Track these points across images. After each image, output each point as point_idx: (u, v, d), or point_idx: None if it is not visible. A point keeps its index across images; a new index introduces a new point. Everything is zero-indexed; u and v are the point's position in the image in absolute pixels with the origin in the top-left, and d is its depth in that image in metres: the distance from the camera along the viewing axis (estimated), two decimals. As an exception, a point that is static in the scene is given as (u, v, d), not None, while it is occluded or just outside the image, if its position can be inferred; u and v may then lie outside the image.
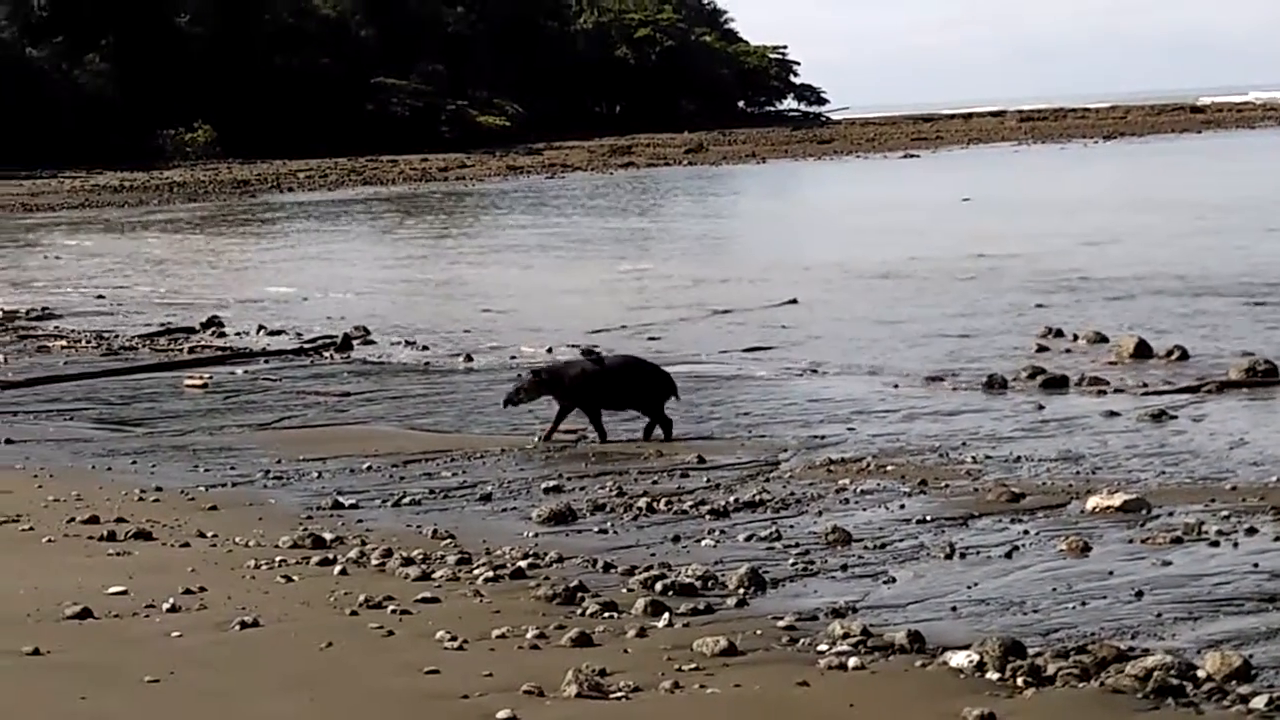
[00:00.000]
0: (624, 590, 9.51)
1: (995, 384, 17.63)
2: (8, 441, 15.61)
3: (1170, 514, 11.34)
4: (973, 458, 13.69)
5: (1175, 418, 15.28)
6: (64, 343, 24.04)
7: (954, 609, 9.10)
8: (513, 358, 21.41)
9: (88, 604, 8.81)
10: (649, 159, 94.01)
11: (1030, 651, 7.98)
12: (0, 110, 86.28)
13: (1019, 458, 13.64)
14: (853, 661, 7.92)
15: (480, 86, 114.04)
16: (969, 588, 9.55)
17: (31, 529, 11.32)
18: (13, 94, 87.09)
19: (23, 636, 8.14)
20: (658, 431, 15.58)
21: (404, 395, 18.55)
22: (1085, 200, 47.77)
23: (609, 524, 11.64)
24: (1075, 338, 21.00)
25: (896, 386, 17.93)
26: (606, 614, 8.92)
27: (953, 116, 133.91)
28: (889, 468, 13.30)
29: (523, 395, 16.06)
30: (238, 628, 8.53)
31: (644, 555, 10.54)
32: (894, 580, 9.78)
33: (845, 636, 8.29)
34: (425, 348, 22.68)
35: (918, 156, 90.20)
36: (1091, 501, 11.66)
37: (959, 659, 7.90)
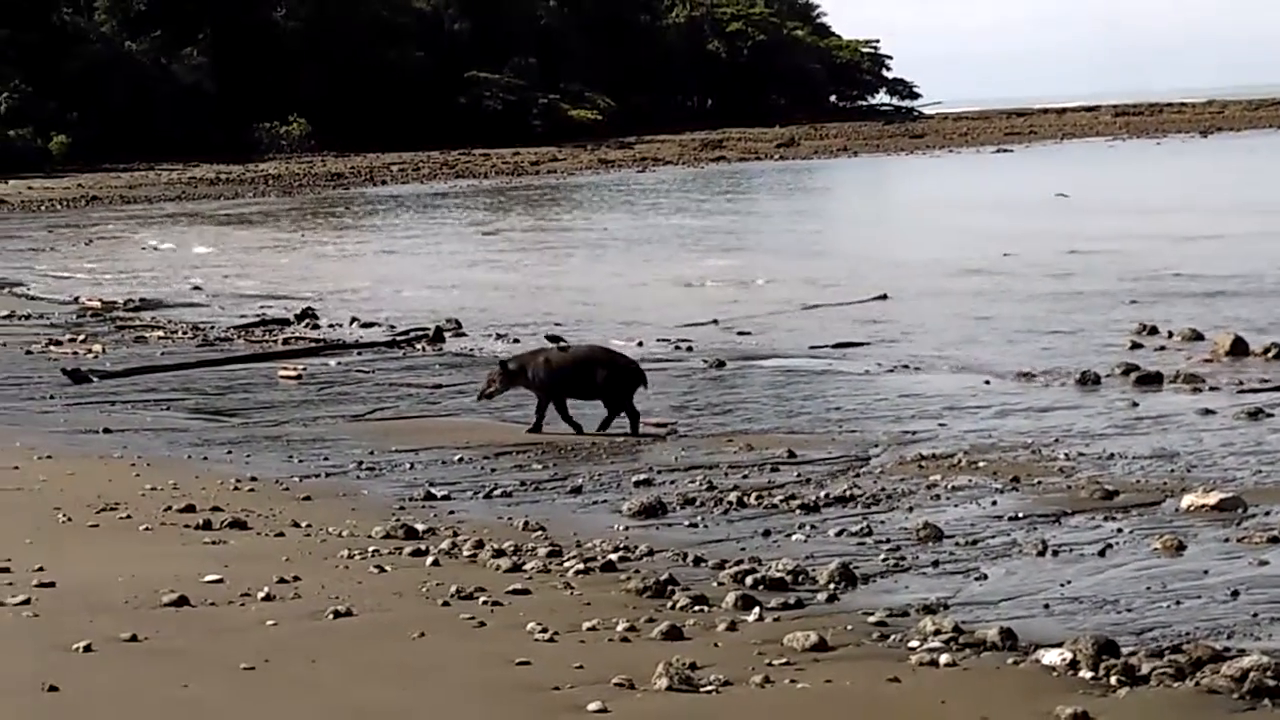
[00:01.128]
0: (714, 584, 9.51)
1: (1089, 380, 17.48)
2: (106, 431, 15.78)
3: (1267, 513, 11.21)
4: (1066, 454, 13.58)
5: (1272, 415, 15.10)
6: (161, 333, 24.28)
7: (1047, 607, 9.03)
8: (604, 351, 21.40)
9: (184, 592, 8.89)
10: (740, 153, 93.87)
11: (1124, 650, 7.91)
12: (100, 103, 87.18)
13: (1113, 455, 13.52)
14: (944, 658, 7.88)
15: (572, 80, 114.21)
16: (1062, 585, 9.48)
17: (129, 517, 11.43)
18: (112, 87, 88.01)
19: (121, 623, 8.23)
20: (621, 422, 15.54)
21: (496, 388, 18.56)
22: (1181, 196, 47.27)
23: (699, 518, 11.64)
24: (1170, 335, 20.80)
25: (988, 382, 17.82)
26: (697, 608, 8.92)
27: (1046, 111, 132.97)
28: (981, 464, 13.21)
29: (493, 388, 16.16)
30: (331, 617, 8.58)
31: (734, 549, 10.53)
32: (986, 577, 9.72)
33: (937, 633, 8.25)
34: (516, 340, 22.72)
35: (1011, 151, 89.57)
36: (1186, 500, 11.54)
37: (1052, 657, 7.84)
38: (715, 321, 24.04)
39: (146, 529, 11.07)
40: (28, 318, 26.35)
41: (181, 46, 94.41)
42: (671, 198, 59.85)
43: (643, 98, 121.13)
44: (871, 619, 8.66)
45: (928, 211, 48.13)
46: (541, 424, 15.65)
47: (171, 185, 73.76)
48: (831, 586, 9.41)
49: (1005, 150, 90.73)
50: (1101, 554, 10.26)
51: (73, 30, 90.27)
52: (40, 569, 9.42)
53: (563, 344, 17.85)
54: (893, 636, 8.33)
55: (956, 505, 11.82)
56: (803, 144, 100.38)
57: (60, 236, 47.45)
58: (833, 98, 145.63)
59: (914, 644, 8.16)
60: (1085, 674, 7.65)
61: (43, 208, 61.68)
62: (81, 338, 23.46)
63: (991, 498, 12.01)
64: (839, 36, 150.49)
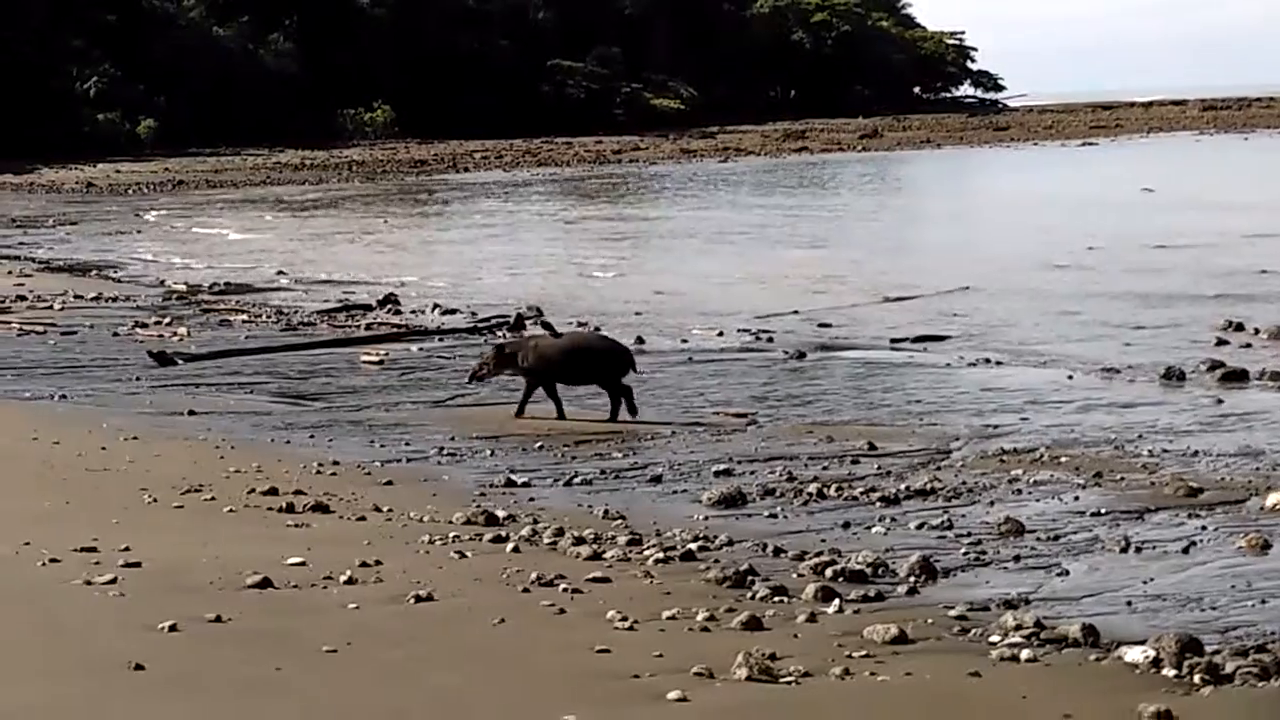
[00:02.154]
0: (794, 575, 9.50)
1: (1173, 376, 17.34)
2: (191, 413, 15.92)
3: (1354, 513, 11.08)
4: (1149, 451, 13.47)
5: (1360, 415, 14.92)
6: (245, 317, 24.47)
7: (1129, 604, 8.97)
8: (683, 341, 21.44)
9: (267, 574, 8.96)
10: (823, 144, 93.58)
11: (1208, 649, 7.84)
12: (187, 88, 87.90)
13: (1197, 452, 13.40)
14: (1025, 654, 7.84)
15: (656, 69, 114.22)
16: (1145, 583, 9.41)
17: (213, 499, 11.53)
18: (199, 72, 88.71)
19: (206, 603, 8.30)
20: (624, 410, 15.71)
21: (576, 375, 18.61)
22: (1268, 193, 46.75)
23: (779, 509, 11.62)
24: (1256, 331, 20.59)
25: (1071, 377, 17.70)
26: (776, 598, 8.91)
27: (1133, 104, 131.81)
28: (1063, 459, 13.13)
29: (485, 370, 16.43)
30: (413, 601, 8.62)
31: (814, 541, 10.51)
32: (1067, 573, 9.67)
33: (1018, 628, 8.21)
34: (597, 328, 22.75)
35: (1096, 145, 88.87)
36: (1272, 498, 11.42)
37: (1134, 654, 7.79)
38: (796, 312, 24.00)
39: (230, 511, 11.17)
40: (115, 300, 26.61)
41: (268, 32, 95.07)
42: (753, 188, 59.74)
43: (726, 88, 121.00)
44: (952, 613, 8.62)
45: (1011, 204, 47.84)
46: (525, 408, 15.92)
47: (256, 170, 74.29)
48: (912, 579, 9.38)
49: (1090, 144, 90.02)
50: (1185, 551, 10.18)
51: (161, 15, 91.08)
52: (127, 549, 9.51)
53: (553, 329, 17.99)
54: (973, 631, 8.29)
55: (1038, 500, 11.75)
56: (885, 136, 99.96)
57: (146, 220, 47.89)
58: (916, 89, 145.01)
59: (995, 639, 8.12)
60: (1168, 672, 7.58)
61: (130, 191, 62.28)
62: (167, 320, 23.68)
63: (1074, 493, 11.93)
64: (924, 28, 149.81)
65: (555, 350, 16.18)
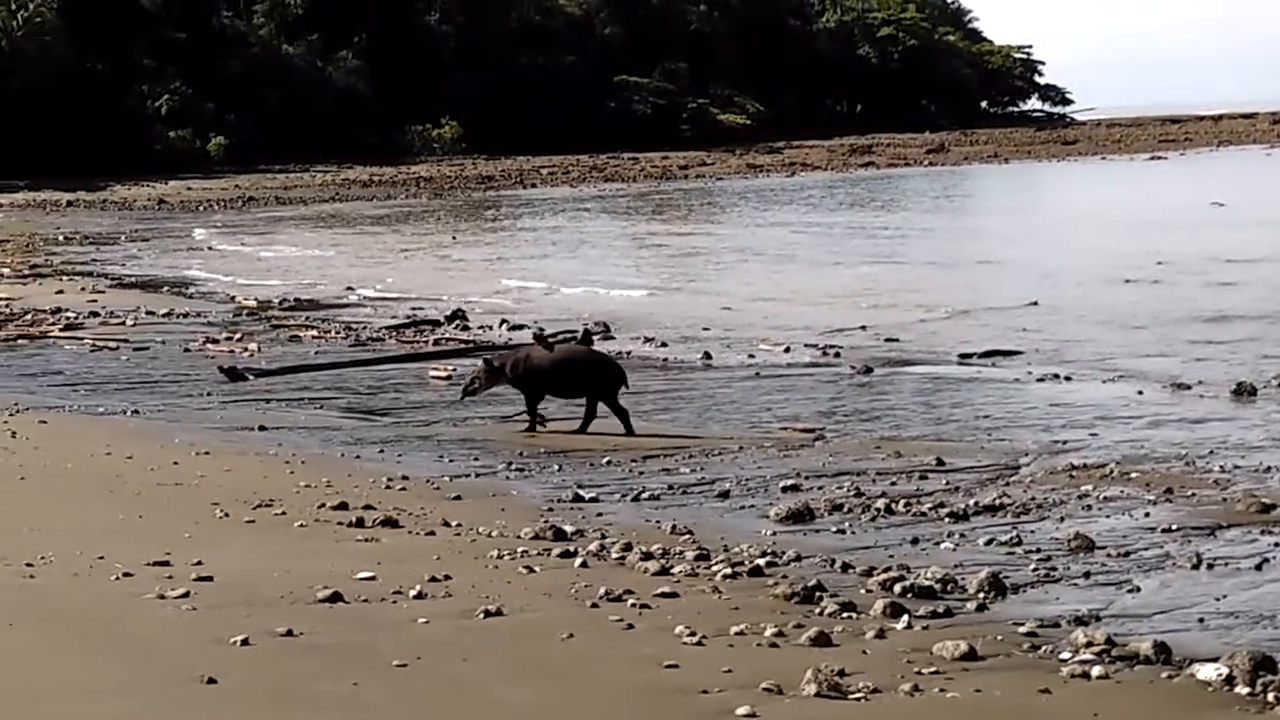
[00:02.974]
0: (862, 591, 9.46)
1: (1244, 392, 17.19)
2: (261, 428, 16.02)
3: None
4: (1220, 467, 13.35)
5: None
6: (314, 333, 24.63)
7: (1201, 620, 8.89)
8: (750, 356, 21.43)
9: (338, 588, 9.00)
10: (889, 159, 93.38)
11: (1282, 666, 7.76)
12: (257, 106, 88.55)
13: (1269, 468, 13.27)
14: (1096, 671, 7.78)
15: (722, 84, 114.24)
16: (1217, 599, 9.32)
17: (284, 514, 11.60)
18: (269, 90, 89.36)
19: (278, 618, 8.34)
20: (614, 422, 15.99)
21: (643, 391, 18.64)
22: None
23: (847, 524, 11.58)
24: (1329, 346, 20.39)
25: (1141, 392, 17.58)
26: (845, 614, 8.87)
27: (1201, 118, 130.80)
28: (1133, 475, 13.03)
29: (478, 384, 16.69)
30: (482, 616, 8.64)
31: (882, 556, 10.47)
32: (1139, 589, 9.59)
33: (1089, 645, 8.15)
34: (664, 344, 22.79)
35: (1165, 159, 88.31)
36: (1346, 515, 11.30)
37: (1207, 672, 7.71)
38: (863, 328, 23.94)
39: (301, 525, 11.23)
40: (186, 316, 26.84)
41: (337, 50, 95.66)
42: (820, 203, 59.65)
43: (792, 102, 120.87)
44: (1022, 629, 8.57)
45: (1079, 218, 47.57)
46: (535, 422, 16.24)
47: (325, 186, 74.74)
48: (981, 596, 9.33)
49: (1159, 158, 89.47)
50: (1258, 568, 10.09)
51: (232, 34, 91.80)
52: (199, 563, 9.58)
53: (547, 341, 18.14)
54: (1043, 648, 8.23)
55: (1108, 516, 11.67)
56: (953, 150, 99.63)
57: (216, 236, 48.25)
58: (984, 103, 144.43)
59: (1065, 656, 8.06)
60: (1241, 690, 7.51)
61: (200, 208, 62.78)
62: (238, 336, 23.86)
63: (1144, 509, 11.84)
64: (991, 42, 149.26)
65: (545, 362, 16.39)
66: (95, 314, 26.54)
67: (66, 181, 69.74)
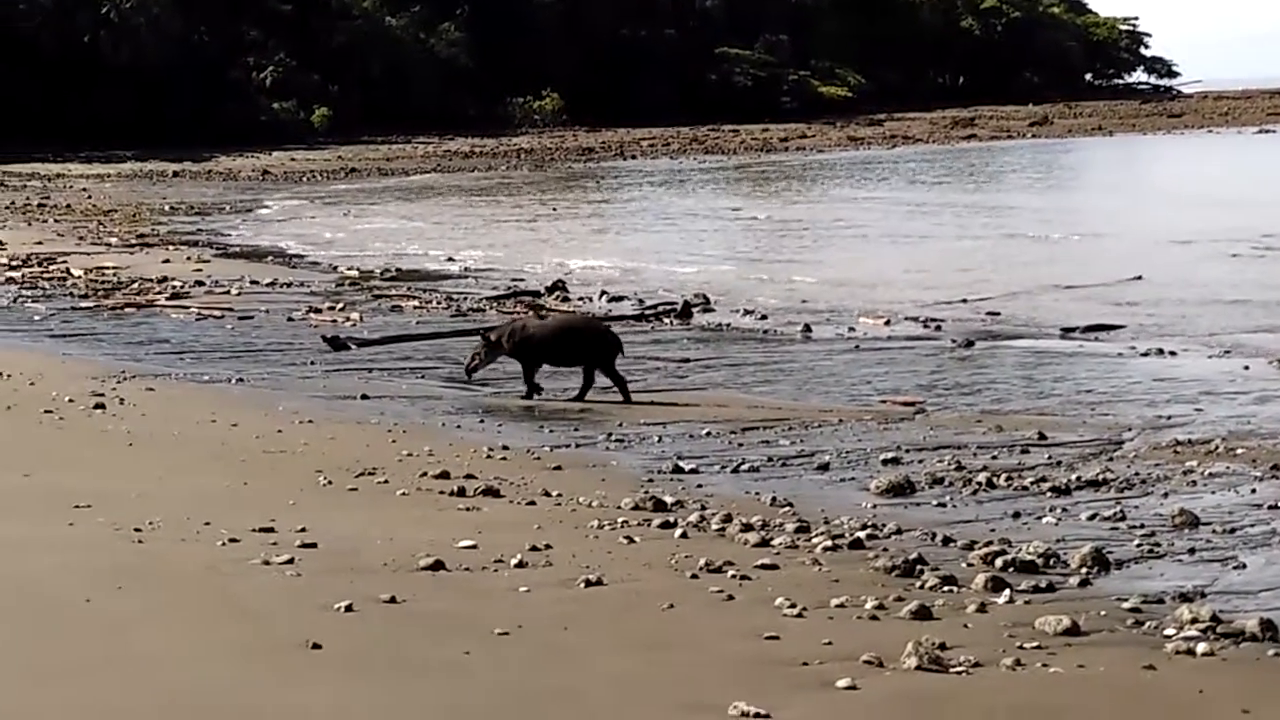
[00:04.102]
0: (963, 565, 9.41)
1: (1353, 368, 16.93)
2: (364, 397, 16.13)
3: None
4: (1328, 443, 13.17)
5: None
6: (416, 303, 24.75)
7: (1308, 598, 8.78)
8: (850, 329, 21.35)
9: (440, 556, 9.05)
10: (991, 131, 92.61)
11: (1391, 645, 7.65)
12: (360, 77, 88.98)
13: (1379, 445, 13.07)
14: (1201, 647, 7.69)
15: (823, 57, 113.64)
16: (1324, 577, 9.20)
17: (387, 482, 11.68)
18: (372, 61, 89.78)
19: (381, 585, 8.40)
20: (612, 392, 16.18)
21: (742, 363, 18.65)
22: None
23: (948, 498, 11.53)
24: None
25: (1247, 368, 17.36)
26: (946, 588, 8.83)
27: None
28: (1239, 451, 12.87)
29: (479, 359, 16.74)
30: (583, 585, 8.67)
31: (983, 530, 10.41)
32: (1244, 566, 9.48)
33: (1193, 621, 8.06)
34: (764, 316, 22.74)
35: (1273, 132, 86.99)
36: None
37: (1313, 650, 7.62)
38: (965, 301, 23.78)
39: (403, 494, 11.30)
40: (289, 285, 27.04)
41: (440, 21, 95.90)
42: (922, 176, 59.27)
43: (893, 75, 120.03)
44: (1125, 605, 8.49)
45: (1185, 192, 47.00)
46: (532, 390, 16.37)
47: (427, 158, 75.06)
48: (1084, 571, 9.25)
49: (1267, 131, 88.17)
50: (1366, 546, 9.94)
51: (336, 6, 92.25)
52: (303, 530, 9.66)
53: (542, 312, 18.27)
54: (1147, 624, 8.16)
55: (1213, 492, 11.54)
56: (1056, 123, 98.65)
57: (320, 207, 48.60)
58: (1088, 76, 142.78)
59: (1170, 632, 7.98)
60: (1348, 668, 7.42)
61: (304, 178, 63.23)
62: (340, 306, 24.03)
63: (1250, 485, 11.70)
64: (1096, 13, 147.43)
65: (541, 332, 16.57)
66: (201, 283, 26.81)
67: (173, 152, 70.39)
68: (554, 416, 15.30)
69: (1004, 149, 77.92)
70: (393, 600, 8.15)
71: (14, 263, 30.31)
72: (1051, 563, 9.42)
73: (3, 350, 19.01)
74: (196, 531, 9.63)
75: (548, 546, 9.53)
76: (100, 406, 14.69)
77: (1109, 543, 9.94)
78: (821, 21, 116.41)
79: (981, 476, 12.01)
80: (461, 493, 11.33)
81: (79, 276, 28.02)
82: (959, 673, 7.26)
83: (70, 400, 14.88)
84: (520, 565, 9.08)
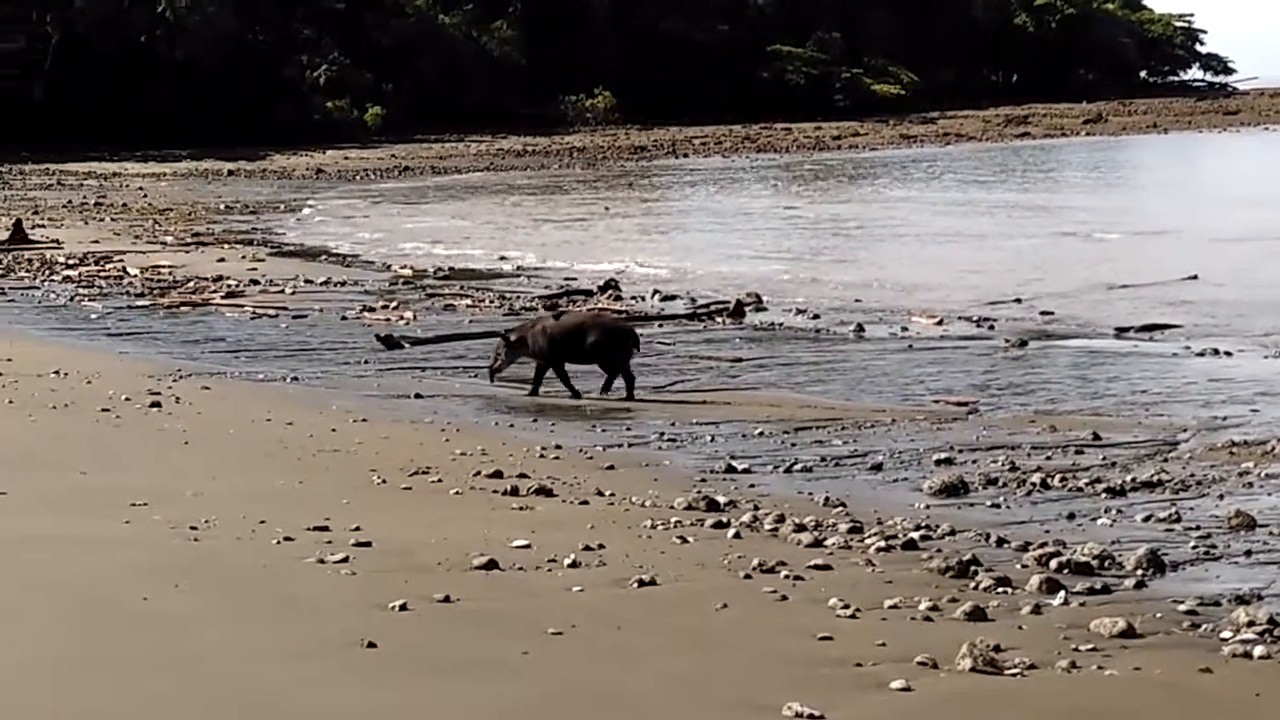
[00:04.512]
0: (1018, 566, 9.38)
1: None
2: (417, 396, 16.19)
3: None
4: (1387, 445, 13.05)
5: None
6: (469, 302, 24.81)
7: (1366, 602, 8.71)
8: (903, 329, 21.29)
9: (493, 556, 9.07)
10: (1045, 129, 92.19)
11: None
12: (413, 76, 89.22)
13: None
14: (1259, 650, 7.64)
15: (875, 54, 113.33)
16: (1383, 580, 9.13)
17: (440, 481, 11.71)
18: (425, 60, 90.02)
19: (435, 584, 8.43)
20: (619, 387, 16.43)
21: (795, 362, 18.63)
22: None
23: (1002, 498, 11.49)
24: None
25: (1305, 368, 17.24)
26: (1000, 589, 8.80)
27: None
28: (1297, 452, 12.78)
29: (499, 360, 16.94)
30: (636, 585, 8.68)
31: (1038, 531, 10.38)
32: (1302, 568, 9.41)
33: (1250, 624, 8.01)
34: (816, 315, 22.70)
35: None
36: None
37: (1371, 654, 7.56)
38: (1018, 301, 23.69)
39: (456, 493, 11.34)
40: (343, 285, 27.13)
41: (492, 20, 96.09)
42: (976, 174, 59.03)
43: (946, 72, 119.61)
44: (1181, 607, 8.45)
45: (1241, 190, 46.69)
46: (539, 388, 16.56)
47: (480, 156, 75.21)
48: (1139, 573, 9.20)
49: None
50: None
51: (389, 4, 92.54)
52: (357, 529, 9.71)
53: (559, 311, 18.36)
54: (1204, 626, 8.11)
55: (1270, 494, 11.47)
56: (1110, 120, 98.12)
57: (374, 205, 48.75)
58: (1143, 73, 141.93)
59: (1226, 635, 7.94)
60: (1407, 673, 7.36)
61: (358, 177, 63.42)
62: (394, 305, 24.10)
63: (1308, 487, 11.62)
64: (1151, 10, 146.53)
65: (558, 331, 16.72)
66: (255, 282, 26.94)
67: (227, 151, 70.76)
68: (606, 416, 15.32)
69: (1058, 147, 77.58)
70: (447, 599, 8.18)
71: (71, 261, 30.54)
72: (1107, 564, 9.38)
73: (60, 348, 19.17)
74: (252, 530, 9.69)
75: (601, 546, 9.54)
76: (156, 405, 14.79)
77: (1164, 544, 9.89)
78: (874, 19, 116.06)
79: (1036, 477, 11.97)
80: (515, 492, 11.36)
81: (135, 275, 28.22)
82: (1014, 675, 7.24)
83: (127, 399, 14.98)
84: (573, 565, 9.10)
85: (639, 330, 21.18)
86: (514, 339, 16.87)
